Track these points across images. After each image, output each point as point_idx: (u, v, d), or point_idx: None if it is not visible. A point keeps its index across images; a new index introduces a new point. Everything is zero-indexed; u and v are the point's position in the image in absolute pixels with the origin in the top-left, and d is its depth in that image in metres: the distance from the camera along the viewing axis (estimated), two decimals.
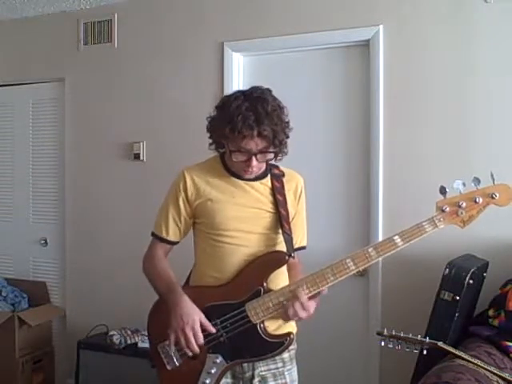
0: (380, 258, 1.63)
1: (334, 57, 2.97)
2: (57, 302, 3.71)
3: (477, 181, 1.58)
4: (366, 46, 2.86)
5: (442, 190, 1.60)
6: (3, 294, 3.57)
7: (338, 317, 2.92)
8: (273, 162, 1.75)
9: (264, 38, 3.06)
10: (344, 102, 2.95)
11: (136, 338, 3.09)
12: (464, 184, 1.59)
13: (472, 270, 2.21)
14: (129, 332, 3.12)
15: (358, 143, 2.91)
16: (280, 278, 1.76)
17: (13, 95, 3.87)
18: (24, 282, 3.72)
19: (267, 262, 1.71)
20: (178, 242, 1.83)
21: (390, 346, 1.99)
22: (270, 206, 1.76)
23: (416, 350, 1.99)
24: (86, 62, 3.57)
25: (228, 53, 3.15)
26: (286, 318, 1.66)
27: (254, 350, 1.68)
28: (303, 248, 1.89)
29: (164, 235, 1.80)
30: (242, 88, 1.77)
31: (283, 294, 1.65)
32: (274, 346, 1.68)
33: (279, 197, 1.76)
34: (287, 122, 1.70)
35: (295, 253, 1.83)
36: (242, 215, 1.73)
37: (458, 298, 2.16)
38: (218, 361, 1.69)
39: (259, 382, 1.74)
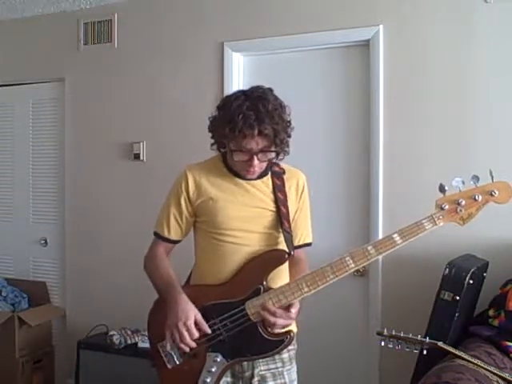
0: (380, 256, 1.63)
1: (334, 57, 2.97)
2: (57, 302, 3.71)
3: (476, 178, 1.58)
4: (365, 46, 2.86)
5: (442, 188, 1.60)
6: (3, 293, 3.57)
7: (337, 317, 2.92)
8: (275, 160, 1.75)
9: (264, 38, 3.06)
10: (344, 102, 2.95)
11: (136, 338, 3.09)
12: (463, 182, 1.59)
13: (472, 270, 2.21)
14: (129, 332, 3.12)
15: (358, 143, 2.91)
16: (280, 276, 1.76)
17: (13, 95, 3.87)
18: (24, 282, 3.72)
19: (267, 260, 1.71)
20: (179, 241, 1.84)
21: (390, 346, 1.99)
22: (271, 205, 1.76)
23: (416, 349, 1.99)
24: (86, 62, 3.57)
25: (228, 53, 3.15)
26: (271, 330, 1.66)
27: (254, 348, 1.68)
28: (308, 245, 1.89)
29: (166, 234, 1.81)
30: (242, 88, 1.77)
31: (283, 292, 1.65)
32: (274, 344, 1.68)
33: (280, 194, 1.76)
34: (289, 121, 1.70)
35: (301, 249, 1.84)
36: (244, 214, 1.73)
37: (457, 298, 2.16)
38: (218, 359, 1.69)
39: (258, 381, 1.74)
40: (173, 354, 1.71)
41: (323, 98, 3.00)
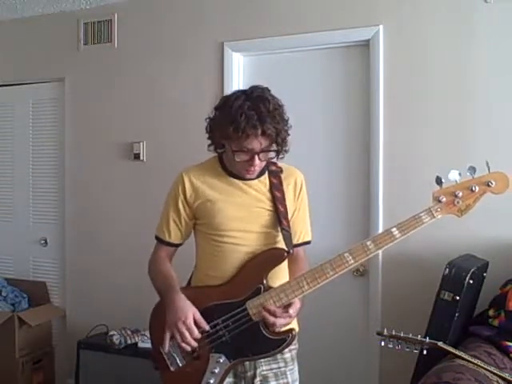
0: (379, 251, 1.63)
1: (334, 57, 2.97)
2: (57, 302, 3.71)
3: (472, 170, 1.58)
4: (366, 46, 2.86)
5: (438, 181, 1.60)
6: (3, 293, 3.57)
7: (338, 317, 2.92)
8: (275, 160, 1.75)
9: (264, 38, 3.06)
10: (344, 102, 2.95)
11: (136, 338, 3.09)
12: (460, 174, 1.59)
13: (472, 270, 2.21)
14: (129, 332, 3.12)
15: (358, 143, 2.91)
16: (280, 275, 1.76)
17: (13, 95, 3.87)
18: (24, 282, 3.72)
19: (266, 259, 1.72)
20: (181, 244, 1.84)
21: (390, 346, 1.99)
22: (268, 204, 1.76)
23: (416, 349, 1.99)
24: (86, 62, 3.57)
25: (228, 53, 3.15)
26: (271, 329, 1.66)
27: (256, 347, 1.68)
28: (308, 243, 1.89)
29: (166, 238, 1.82)
30: (242, 88, 1.77)
31: (283, 290, 1.65)
32: (277, 343, 1.68)
33: (277, 193, 1.76)
34: (287, 120, 1.71)
35: (301, 247, 1.85)
36: (242, 215, 1.73)
37: (457, 298, 2.16)
38: (221, 360, 1.69)
39: (260, 381, 1.75)
40: (175, 356, 1.71)
41: (323, 97, 3.00)
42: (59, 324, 3.69)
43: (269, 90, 1.70)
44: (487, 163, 1.56)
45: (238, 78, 3.16)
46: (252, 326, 1.67)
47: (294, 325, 1.79)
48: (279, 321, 1.62)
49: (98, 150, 3.55)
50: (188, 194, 1.76)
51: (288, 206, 1.78)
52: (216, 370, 1.69)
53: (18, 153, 3.85)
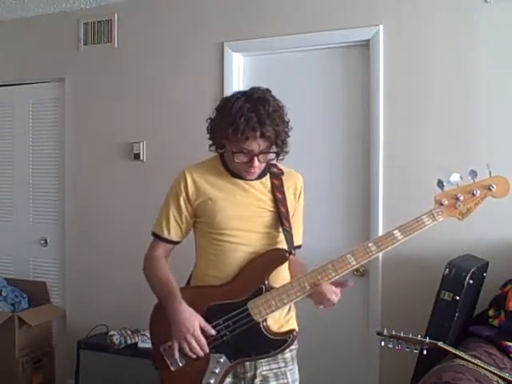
0: (380, 253, 1.63)
1: (334, 57, 2.97)
2: (57, 302, 3.71)
3: (473, 173, 1.59)
4: (365, 46, 2.86)
5: (440, 184, 1.61)
6: (3, 293, 3.57)
7: (338, 317, 2.91)
8: (274, 161, 1.75)
9: (264, 38, 3.06)
10: (344, 102, 2.95)
11: (136, 338, 3.09)
12: (461, 177, 1.60)
13: (472, 270, 2.21)
14: (129, 332, 3.12)
15: (358, 143, 2.91)
16: (281, 275, 1.76)
17: (13, 95, 3.87)
18: (24, 282, 3.72)
19: (268, 259, 1.72)
20: (179, 242, 1.83)
21: (390, 346, 2.00)
22: (269, 205, 1.76)
23: (416, 350, 1.99)
24: (86, 62, 3.57)
25: (228, 53, 3.15)
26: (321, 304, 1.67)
27: (257, 348, 1.69)
28: (298, 247, 1.89)
29: (165, 235, 1.80)
30: (242, 88, 1.77)
31: (285, 290, 1.66)
32: (277, 343, 1.68)
33: (278, 195, 1.77)
34: (287, 122, 1.71)
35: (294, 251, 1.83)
36: (243, 214, 1.74)
37: (457, 297, 2.16)
38: (221, 360, 1.69)
39: (261, 381, 1.75)
40: (176, 356, 1.71)
41: (323, 98, 3.00)
42: (59, 324, 3.70)
43: (270, 92, 1.70)
44: (488, 166, 1.57)
45: (238, 78, 3.16)
46: (253, 327, 1.67)
47: (294, 325, 1.80)
48: (334, 298, 1.63)
49: (98, 150, 3.55)
50: (190, 192, 1.76)
51: (289, 208, 1.78)
52: (216, 370, 1.69)
53: (18, 153, 3.85)
